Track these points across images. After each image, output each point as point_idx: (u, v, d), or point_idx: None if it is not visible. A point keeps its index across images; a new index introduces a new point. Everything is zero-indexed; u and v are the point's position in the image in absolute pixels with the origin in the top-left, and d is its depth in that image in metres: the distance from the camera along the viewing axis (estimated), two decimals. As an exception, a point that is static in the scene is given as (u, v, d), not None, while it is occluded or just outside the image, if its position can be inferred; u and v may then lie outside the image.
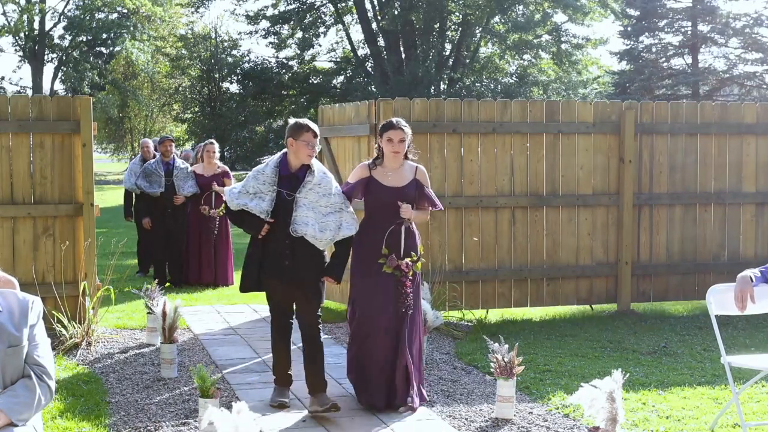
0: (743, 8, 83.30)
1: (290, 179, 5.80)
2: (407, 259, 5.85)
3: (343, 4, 33.39)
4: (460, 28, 31.94)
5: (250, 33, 35.33)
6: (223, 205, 6.63)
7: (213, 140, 11.94)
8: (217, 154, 11.49)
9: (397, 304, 5.81)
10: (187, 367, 6.75)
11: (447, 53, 31.92)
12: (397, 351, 5.80)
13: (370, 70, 32.71)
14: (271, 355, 7.29)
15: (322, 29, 33.97)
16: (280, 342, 6.01)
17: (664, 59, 28.25)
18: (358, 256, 5.98)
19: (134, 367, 6.98)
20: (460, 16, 31.70)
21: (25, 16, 36.72)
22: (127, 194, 12.13)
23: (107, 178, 42.76)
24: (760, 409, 5.94)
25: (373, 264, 5.86)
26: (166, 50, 39.07)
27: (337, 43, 38.17)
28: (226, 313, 9.33)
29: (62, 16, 38.52)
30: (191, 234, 11.21)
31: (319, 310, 5.95)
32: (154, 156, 11.72)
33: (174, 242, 11.08)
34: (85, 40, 38.88)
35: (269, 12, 34.02)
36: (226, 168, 11.59)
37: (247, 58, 34.87)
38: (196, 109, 35.63)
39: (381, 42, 31.76)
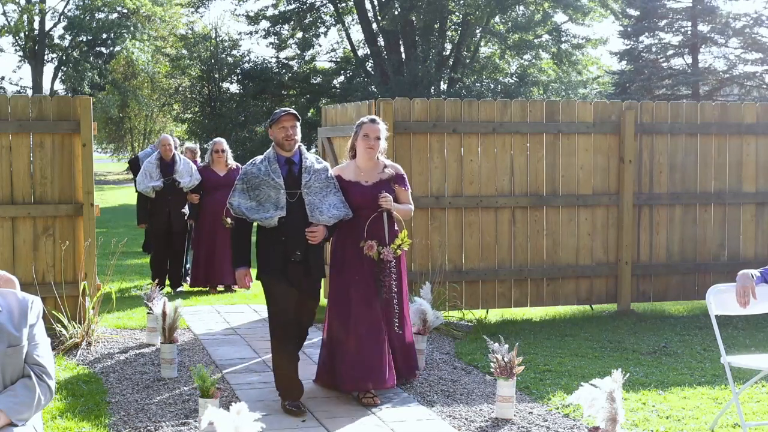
0: (743, 8, 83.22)
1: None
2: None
3: (343, 5, 33.36)
4: (460, 28, 31.90)
5: (250, 33, 35.26)
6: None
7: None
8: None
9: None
10: (187, 367, 6.75)
11: (447, 53, 31.91)
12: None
13: (370, 70, 32.68)
14: (270, 355, 7.32)
15: (322, 29, 33.94)
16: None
17: (664, 59, 28.22)
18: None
19: (134, 367, 6.98)
20: (460, 16, 31.66)
21: (25, 16, 36.73)
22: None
23: (107, 178, 42.79)
24: (760, 409, 5.94)
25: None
26: (166, 50, 39.06)
27: (337, 43, 38.20)
28: (226, 313, 9.33)
29: (62, 16, 38.53)
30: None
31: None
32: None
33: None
34: (85, 40, 38.88)
35: (269, 12, 34.01)
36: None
37: (247, 58, 34.86)
38: (196, 109, 35.58)
39: (381, 42, 31.74)
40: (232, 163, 10.97)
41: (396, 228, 6.22)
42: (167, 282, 10.80)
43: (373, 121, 6.26)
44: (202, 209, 10.73)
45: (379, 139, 6.21)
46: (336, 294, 6.13)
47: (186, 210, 10.76)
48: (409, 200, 6.36)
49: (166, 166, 10.59)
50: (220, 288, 10.85)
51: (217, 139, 11.21)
